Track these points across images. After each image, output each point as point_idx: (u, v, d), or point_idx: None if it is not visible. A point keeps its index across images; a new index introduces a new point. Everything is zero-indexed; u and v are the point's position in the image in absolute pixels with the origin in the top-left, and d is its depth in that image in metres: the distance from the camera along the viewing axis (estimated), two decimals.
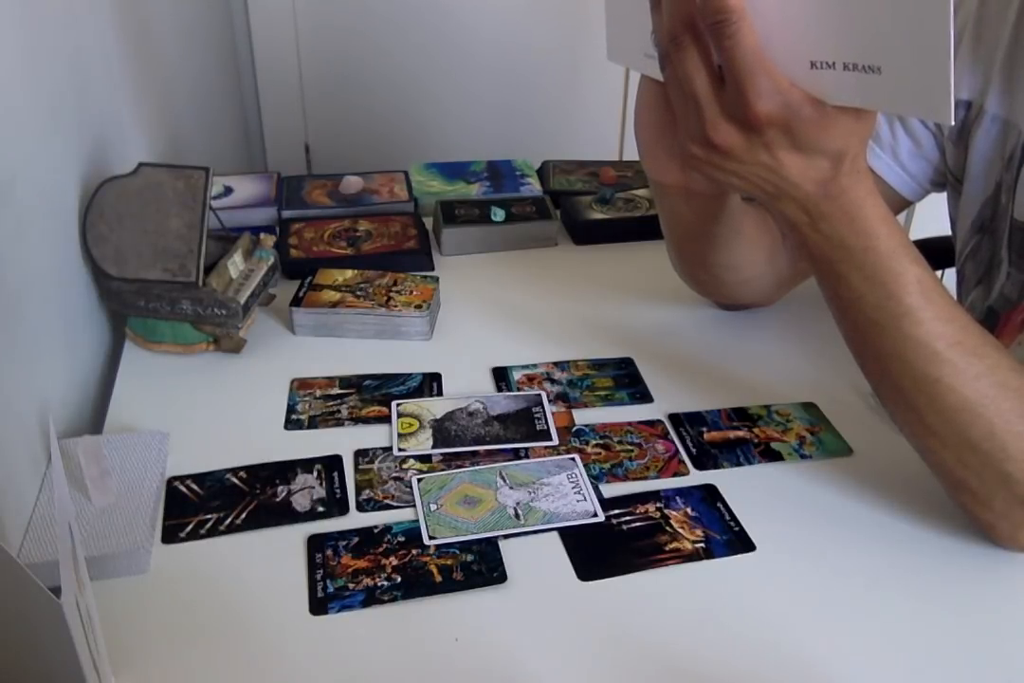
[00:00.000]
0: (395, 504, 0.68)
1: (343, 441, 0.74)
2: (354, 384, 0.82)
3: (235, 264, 0.87)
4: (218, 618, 0.59)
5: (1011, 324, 0.75)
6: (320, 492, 0.69)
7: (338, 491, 0.69)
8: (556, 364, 0.85)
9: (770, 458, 0.73)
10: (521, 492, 0.69)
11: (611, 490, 0.69)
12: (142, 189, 0.83)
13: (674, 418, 0.78)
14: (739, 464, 0.72)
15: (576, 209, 1.12)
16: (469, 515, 0.66)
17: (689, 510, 0.67)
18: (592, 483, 0.70)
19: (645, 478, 0.71)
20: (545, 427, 0.76)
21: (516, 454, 0.73)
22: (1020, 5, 0.73)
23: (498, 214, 1.07)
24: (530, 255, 1.07)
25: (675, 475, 0.71)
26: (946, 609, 0.60)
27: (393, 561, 0.62)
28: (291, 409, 0.79)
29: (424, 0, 2.08)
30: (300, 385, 0.82)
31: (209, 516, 0.67)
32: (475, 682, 0.55)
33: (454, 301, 0.95)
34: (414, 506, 0.67)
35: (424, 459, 0.72)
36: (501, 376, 0.83)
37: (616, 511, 0.67)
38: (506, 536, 0.65)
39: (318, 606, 0.59)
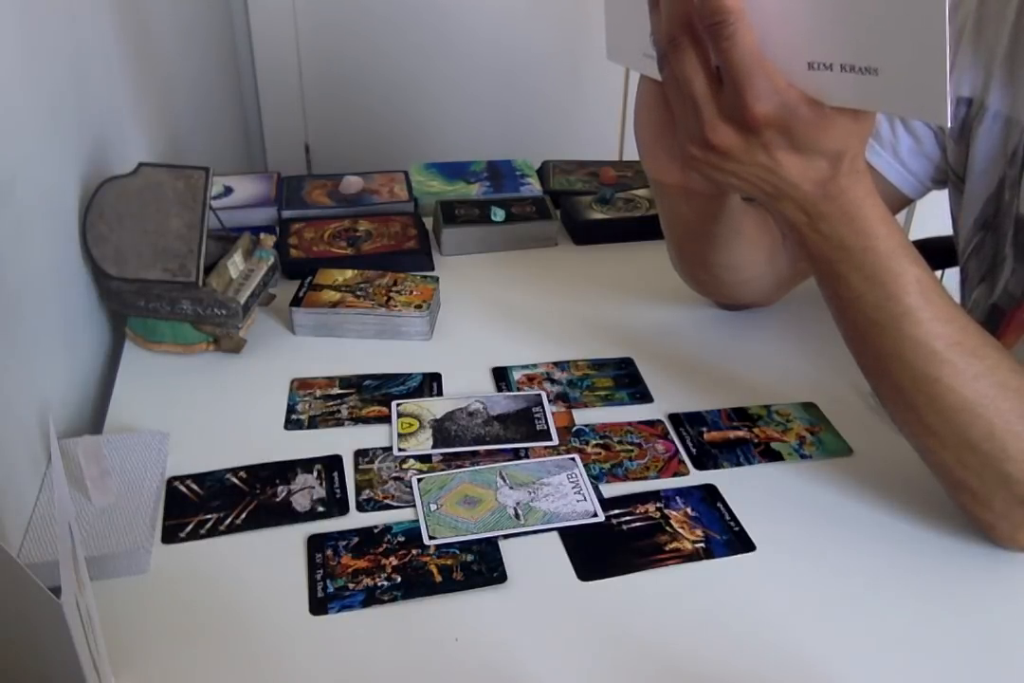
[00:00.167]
0: (395, 504, 0.68)
1: (343, 441, 0.74)
2: (354, 384, 0.82)
3: (235, 264, 0.87)
4: (218, 618, 0.59)
5: (1016, 321, 0.75)
6: (320, 492, 0.69)
7: (338, 491, 0.69)
8: (556, 364, 0.85)
9: (770, 458, 0.73)
10: (521, 492, 0.69)
11: (611, 490, 0.69)
12: (142, 189, 0.83)
13: (674, 418, 0.78)
14: (739, 464, 0.72)
15: (576, 209, 1.12)
16: (469, 515, 0.66)
17: (689, 510, 0.67)
18: (592, 483, 0.70)
19: (645, 478, 0.71)
20: (545, 427, 0.76)
21: (516, 454, 0.73)
22: (1020, 2, 0.73)
23: (498, 214, 1.07)
24: (530, 255, 1.07)
25: (675, 475, 0.71)
26: (946, 609, 0.60)
27: (393, 561, 0.63)
28: (291, 409, 0.79)
29: (424, 0, 2.08)
30: (300, 385, 0.82)
31: (209, 516, 0.67)
32: (475, 682, 0.55)
33: (454, 301, 0.95)
34: (414, 506, 0.67)
35: (424, 459, 0.72)
36: (501, 376, 0.83)
37: (616, 511, 0.67)
38: (506, 536, 0.65)
39: (318, 606, 0.59)
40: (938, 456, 0.61)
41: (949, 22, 0.45)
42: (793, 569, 0.63)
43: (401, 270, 0.96)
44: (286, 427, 0.77)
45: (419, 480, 0.70)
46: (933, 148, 0.81)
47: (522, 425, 0.76)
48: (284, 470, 0.71)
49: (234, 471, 0.71)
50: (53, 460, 0.51)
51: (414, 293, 0.91)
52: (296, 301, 0.90)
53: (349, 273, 0.94)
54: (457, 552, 0.63)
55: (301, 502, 0.68)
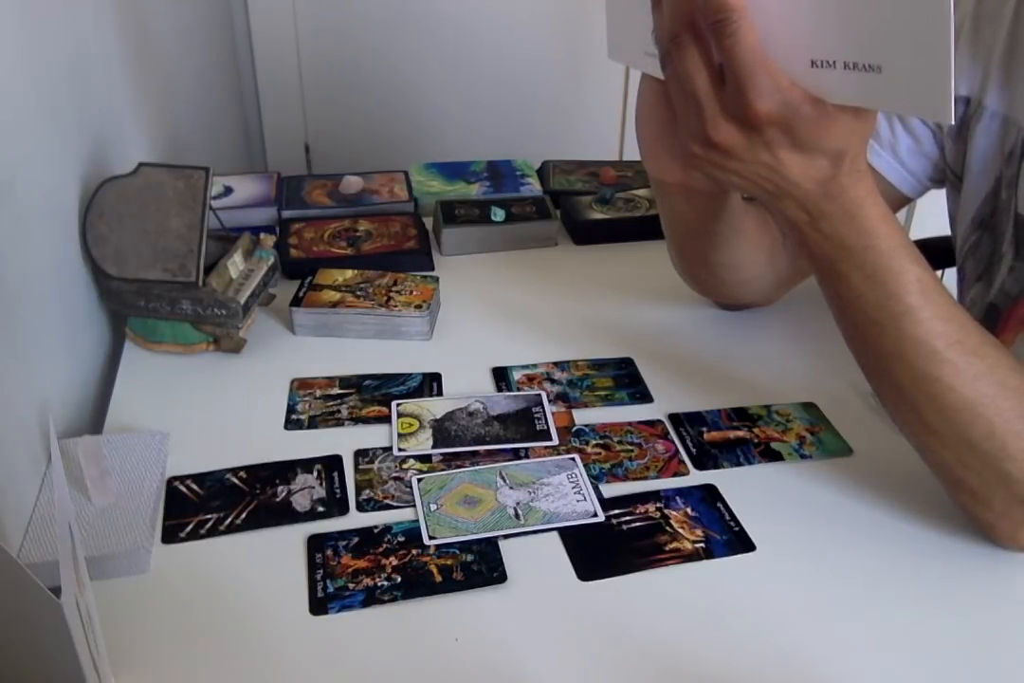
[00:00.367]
0: (395, 504, 0.68)
1: (343, 441, 0.74)
2: (354, 384, 0.82)
3: (235, 264, 0.87)
4: (218, 618, 0.59)
5: (1013, 320, 0.75)
6: (320, 492, 0.69)
7: (338, 491, 0.69)
8: (556, 364, 0.85)
9: (770, 458, 0.73)
10: (521, 492, 0.69)
11: (611, 490, 0.69)
12: (142, 189, 0.83)
13: (674, 418, 0.78)
14: (739, 464, 0.72)
15: (576, 209, 1.12)
16: (469, 515, 0.66)
17: (689, 510, 0.67)
18: (592, 483, 0.70)
19: (645, 478, 0.71)
20: (545, 427, 0.76)
21: (516, 454, 0.73)
22: (1017, 2, 0.73)
23: (498, 214, 1.07)
24: (530, 255, 1.06)
25: (675, 475, 0.71)
26: (946, 609, 0.60)
27: (393, 561, 0.62)
28: (291, 409, 0.79)
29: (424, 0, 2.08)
30: (300, 385, 0.82)
31: (209, 516, 0.67)
32: (475, 682, 0.55)
33: (454, 301, 0.95)
34: (414, 506, 0.67)
35: (424, 459, 0.72)
36: (501, 376, 0.83)
37: (616, 511, 0.67)
38: (506, 536, 0.65)
39: (318, 606, 0.59)
40: (938, 455, 0.61)
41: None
42: (793, 569, 0.63)
43: (401, 270, 0.96)
44: (286, 427, 0.77)
45: (419, 480, 0.70)
46: (932, 147, 0.81)
47: (522, 425, 0.76)
48: (284, 470, 0.71)
49: (234, 471, 0.71)
50: (53, 460, 0.51)
51: (414, 293, 0.91)
52: (296, 301, 0.90)
53: (349, 273, 0.94)
54: (457, 552, 0.63)
55: (301, 502, 0.68)
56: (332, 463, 0.72)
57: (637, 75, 0.66)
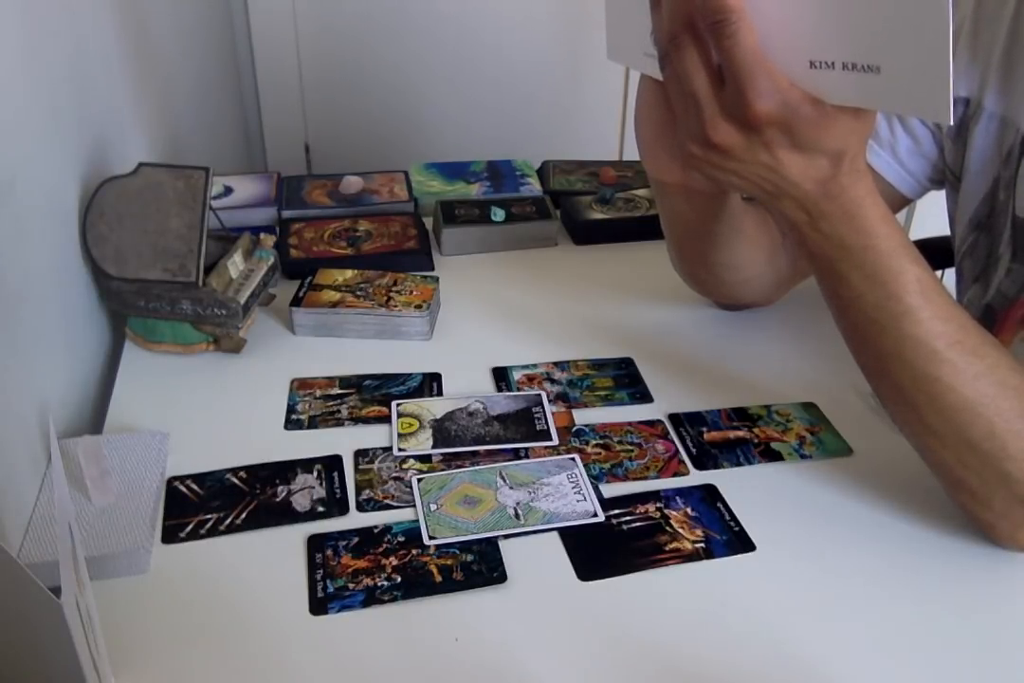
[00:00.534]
0: (395, 504, 0.68)
1: (343, 441, 0.74)
2: (354, 384, 0.82)
3: (235, 264, 0.87)
4: (218, 618, 0.59)
5: (1010, 320, 0.75)
6: (320, 492, 0.69)
7: (338, 491, 0.69)
8: (556, 364, 0.85)
9: (770, 458, 0.73)
10: (521, 492, 0.69)
11: (611, 490, 0.69)
12: (142, 189, 0.83)
13: (674, 418, 0.78)
14: (739, 464, 0.72)
15: (576, 209, 1.12)
16: (469, 515, 0.66)
17: (689, 510, 0.67)
18: (592, 483, 0.70)
19: (645, 478, 0.71)
20: (545, 427, 0.76)
21: (516, 454, 0.73)
22: (1016, 5, 0.73)
23: (498, 214, 1.07)
24: (530, 255, 1.06)
25: (675, 475, 0.71)
26: (946, 609, 0.60)
27: (393, 561, 0.62)
28: (291, 409, 0.79)
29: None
30: (300, 385, 0.82)
31: (209, 516, 0.67)
32: (475, 682, 0.55)
33: (454, 301, 0.95)
34: (414, 506, 0.67)
35: (424, 459, 0.72)
36: (501, 376, 0.83)
37: (616, 511, 0.67)
38: (506, 536, 0.65)
39: (318, 606, 0.59)
40: (938, 455, 0.61)
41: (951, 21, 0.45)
42: (793, 569, 0.63)
43: (401, 270, 0.96)
44: (286, 427, 0.77)
45: (419, 480, 0.70)
46: (931, 148, 0.81)
47: (522, 425, 0.76)
48: (284, 470, 0.71)
49: (234, 471, 0.71)
50: (53, 460, 0.51)
51: (414, 293, 0.91)
52: (296, 301, 0.90)
53: (349, 273, 0.94)
54: (457, 552, 0.63)
55: (301, 502, 0.68)
56: (332, 463, 0.72)
57: (637, 75, 0.66)
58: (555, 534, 0.65)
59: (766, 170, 0.56)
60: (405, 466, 0.72)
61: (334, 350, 0.88)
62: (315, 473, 0.71)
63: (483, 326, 0.92)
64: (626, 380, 0.83)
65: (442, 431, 0.75)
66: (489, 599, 0.60)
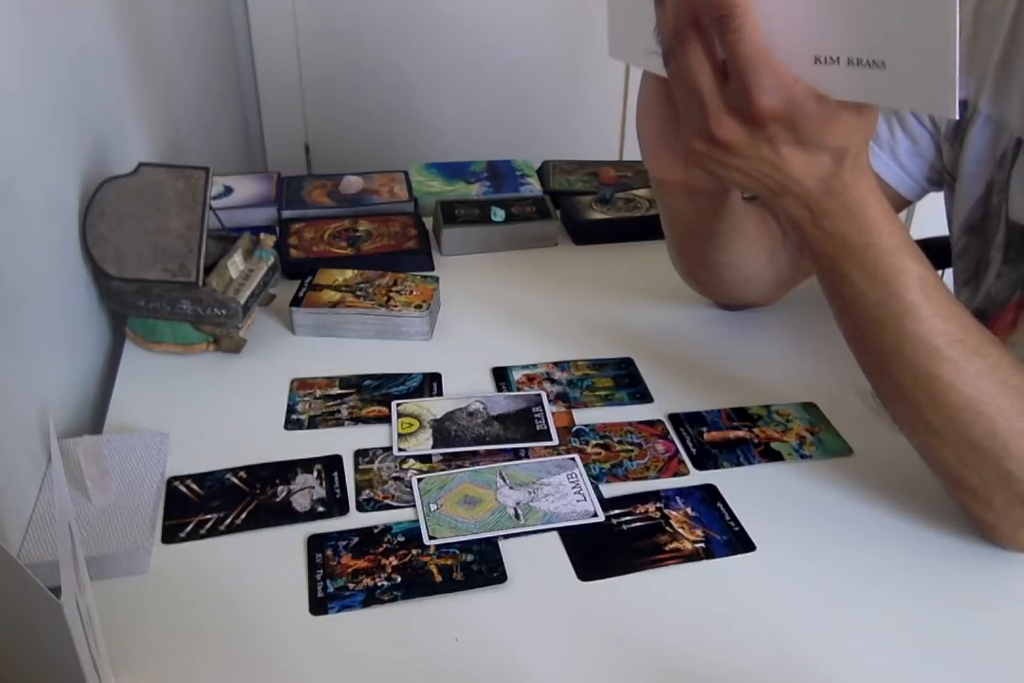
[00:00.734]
0: (395, 504, 0.68)
1: (343, 441, 0.74)
2: (354, 384, 0.82)
3: (235, 264, 0.87)
4: (218, 618, 0.59)
5: (1001, 324, 0.74)
6: (320, 492, 0.69)
7: (338, 491, 0.69)
8: (556, 364, 0.85)
9: (770, 458, 0.73)
10: (521, 492, 0.69)
11: (611, 490, 0.69)
12: (142, 189, 0.83)
13: (674, 418, 0.78)
14: (739, 464, 0.72)
15: (576, 209, 1.12)
16: (469, 515, 0.66)
17: (689, 510, 0.67)
18: (592, 483, 0.70)
19: (645, 478, 0.71)
20: (545, 427, 0.76)
21: (516, 454, 0.73)
22: (1016, 7, 0.73)
23: (498, 214, 1.07)
24: (530, 255, 1.06)
25: (675, 475, 0.71)
26: (946, 609, 0.60)
27: (393, 561, 0.62)
28: (291, 409, 0.79)
29: None
30: (300, 385, 0.82)
31: (209, 516, 0.67)
32: (475, 682, 0.55)
33: (454, 301, 0.95)
34: (414, 506, 0.67)
35: (424, 459, 0.72)
36: (501, 376, 0.83)
37: (616, 511, 0.67)
38: (506, 536, 0.65)
39: (318, 606, 0.59)
40: (939, 454, 0.61)
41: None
42: (793, 569, 0.63)
43: (401, 270, 0.96)
44: (286, 427, 0.77)
45: (419, 480, 0.70)
46: (929, 148, 0.81)
47: (522, 425, 0.76)
48: (284, 470, 0.71)
49: (234, 471, 0.71)
50: (53, 460, 0.51)
51: (414, 293, 0.91)
52: (296, 301, 0.90)
53: (349, 273, 0.94)
54: (457, 552, 0.63)
55: (301, 502, 0.68)
56: (332, 463, 0.72)
57: (637, 75, 0.66)
58: (555, 534, 0.65)
59: (769, 166, 0.56)
60: (405, 466, 0.72)
61: (334, 350, 0.88)
62: (315, 473, 0.71)
63: (483, 326, 0.92)
64: (626, 380, 0.83)
65: (442, 431, 0.75)
66: (489, 599, 0.60)
